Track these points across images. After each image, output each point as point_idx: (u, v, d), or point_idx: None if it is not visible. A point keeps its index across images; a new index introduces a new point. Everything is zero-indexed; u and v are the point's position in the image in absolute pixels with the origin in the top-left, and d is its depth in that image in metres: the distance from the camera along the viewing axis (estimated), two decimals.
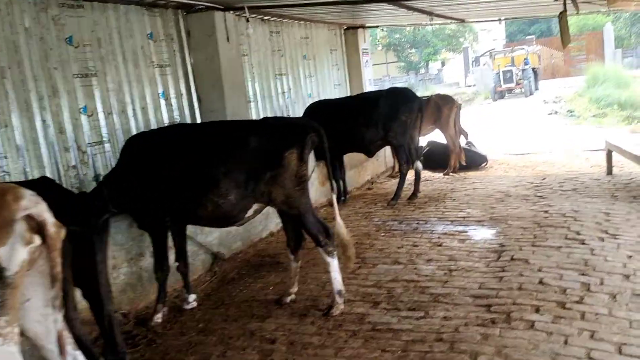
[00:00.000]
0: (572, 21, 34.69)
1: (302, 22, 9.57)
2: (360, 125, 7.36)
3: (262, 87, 8.44)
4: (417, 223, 6.40)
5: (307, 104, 8.49)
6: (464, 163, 9.10)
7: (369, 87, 11.49)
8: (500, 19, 16.70)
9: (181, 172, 4.14)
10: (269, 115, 8.62)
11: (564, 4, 7.57)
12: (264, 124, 4.37)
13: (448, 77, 38.55)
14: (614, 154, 7.74)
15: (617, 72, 21.75)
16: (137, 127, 6.11)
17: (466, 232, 5.90)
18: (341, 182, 7.89)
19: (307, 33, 9.87)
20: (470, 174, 8.98)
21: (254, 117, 8.19)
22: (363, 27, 11.31)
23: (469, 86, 32.19)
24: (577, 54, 33.03)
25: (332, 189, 4.46)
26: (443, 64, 41.05)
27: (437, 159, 9.46)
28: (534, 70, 25.97)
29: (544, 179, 8.06)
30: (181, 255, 4.63)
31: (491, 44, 37.88)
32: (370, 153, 7.74)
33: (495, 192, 7.46)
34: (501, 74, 24.85)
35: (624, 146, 7.17)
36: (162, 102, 6.54)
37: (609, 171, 7.90)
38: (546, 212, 6.28)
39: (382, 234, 6.13)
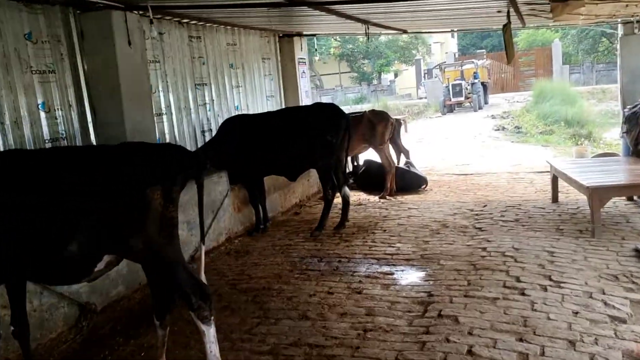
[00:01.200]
0: (522, 36, 35.33)
1: (228, 27, 8.66)
2: (281, 144, 6.47)
3: (177, 98, 7.50)
4: (339, 261, 5.52)
5: None
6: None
7: (305, 98, 10.71)
8: (451, 30, 16.26)
9: (7, 213, 3.11)
10: (185, 130, 7.67)
11: (508, 16, 7.02)
12: (122, 152, 3.35)
13: (400, 88, 38.39)
14: (559, 179, 7.09)
15: (564, 88, 21.69)
16: (6, 144, 5.18)
17: (392, 274, 5.06)
18: (261, 209, 6.96)
19: (235, 39, 8.98)
20: (408, 198, 8.19)
21: (166, 132, 7.26)
22: (300, 35, 10.50)
23: (421, 98, 31.93)
24: (527, 69, 33.44)
25: (201, 238, 3.50)
26: (396, 75, 40.90)
27: (374, 180, 8.66)
28: (484, 85, 25.72)
29: (485, 206, 7.34)
30: (19, 318, 3.58)
31: (444, 56, 37.91)
32: (292, 176, 6.81)
33: (431, 222, 6.68)
34: (450, 87, 24.47)
35: (569, 173, 6.50)
36: (42, 114, 5.59)
37: (554, 199, 7.25)
38: (484, 249, 5.52)
39: (296, 275, 5.22)
